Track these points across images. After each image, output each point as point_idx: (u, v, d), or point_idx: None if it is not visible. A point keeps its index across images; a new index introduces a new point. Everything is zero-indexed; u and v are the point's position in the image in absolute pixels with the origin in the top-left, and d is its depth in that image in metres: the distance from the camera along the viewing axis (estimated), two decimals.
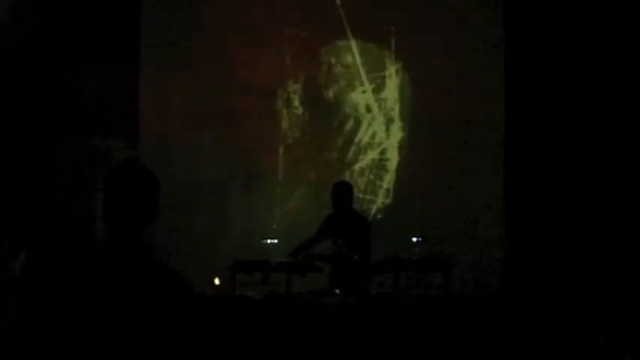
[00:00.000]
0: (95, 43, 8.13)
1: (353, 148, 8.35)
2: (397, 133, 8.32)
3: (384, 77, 8.38)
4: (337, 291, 6.32)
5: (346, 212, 6.80)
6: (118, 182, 2.38)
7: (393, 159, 8.30)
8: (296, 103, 8.45)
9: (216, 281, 6.72)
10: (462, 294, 6.81)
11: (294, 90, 8.44)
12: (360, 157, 8.33)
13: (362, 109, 8.35)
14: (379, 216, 8.25)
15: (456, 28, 8.23)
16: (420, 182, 8.25)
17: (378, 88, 8.37)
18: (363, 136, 8.33)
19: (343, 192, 6.83)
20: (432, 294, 6.26)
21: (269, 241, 6.82)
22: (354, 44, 8.34)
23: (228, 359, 5.82)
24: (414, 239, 6.80)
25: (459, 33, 8.22)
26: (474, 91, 8.19)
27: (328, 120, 8.40)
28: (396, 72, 8.35)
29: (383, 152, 8.34)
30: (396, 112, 8.32)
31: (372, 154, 8.32)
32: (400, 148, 8.34)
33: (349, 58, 8.37)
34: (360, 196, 8.10)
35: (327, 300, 6.18)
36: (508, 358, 6.01)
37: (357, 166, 8.33)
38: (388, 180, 8.28)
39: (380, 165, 8.32)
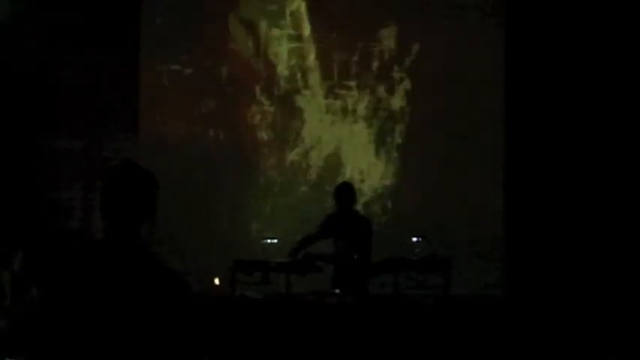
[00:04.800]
0: (96, 42, 8.14)
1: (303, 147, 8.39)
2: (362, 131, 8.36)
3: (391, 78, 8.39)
4: (337, 291, 6.32)
5: (349, 213, 6.82)
6: (117, 182, 2.40)
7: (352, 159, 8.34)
8: (295, 103, 8.46)
9: (216, 281, 6.72)
10: (461, 294, 6.80)
11: (295, 90, 8.45)
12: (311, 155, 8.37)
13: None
14: None
15: (455, 28, 8.23)
16: (420, 182, 8.25)
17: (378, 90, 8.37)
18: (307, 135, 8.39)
19: (345, 193, 6.86)
20: (432, 294, 6.25)
21: (269, 241, 6.81)
22: (312, 48, 8.39)
23: (228, 359, 5.82)
24: (414, 239, 6.79)
25: (457, 32, 8.22)
26: (474, 91, 8.18)
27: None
28: (402, 73, 8.35)
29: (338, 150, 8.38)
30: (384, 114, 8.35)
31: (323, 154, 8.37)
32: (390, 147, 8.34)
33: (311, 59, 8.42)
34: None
35: (327, 300, 6.17)
36: (508, 357, 6.00)
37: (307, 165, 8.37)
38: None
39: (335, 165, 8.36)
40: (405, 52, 8.33)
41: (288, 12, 8.46)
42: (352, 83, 8.39)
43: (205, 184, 8.39)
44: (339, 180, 7.86)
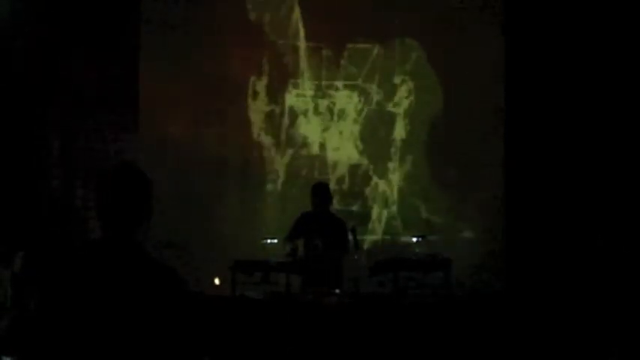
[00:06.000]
0: (96, 41, 8.14)
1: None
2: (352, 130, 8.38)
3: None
4: (337, 291, 6.32)
5: (324, 212, 6.81)
6: (113, 183, 2.41)
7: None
8: (299, 104, 8.46)
9: (216, 281, 6.72)
10: (462, 294, 6.80)
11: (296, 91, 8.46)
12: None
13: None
14: None
15: (455, 31, 8.23)
16: (419, 181, 8.26)
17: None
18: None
19: (322, 192, 6.87)
20: (432, 294, 6.26)
21: (269, 241, 6.81)
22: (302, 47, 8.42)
23: (229, 359, 5.82)
24: (414, 239, 6.79)
25: (457, 35, 8.23)
26: (474, 91, 8.19)
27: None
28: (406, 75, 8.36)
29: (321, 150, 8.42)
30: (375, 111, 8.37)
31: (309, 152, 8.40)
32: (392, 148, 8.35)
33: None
34: None
35: (327, 300, 6.17)
36: (508, 358, 6.00)
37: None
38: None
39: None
40: (404, 52, 8.34)
41: (287, 13, 8.47)
42: (353, 83, 8.40)
43: (205, 184, 8.39)
44: (339, 179, 7.88)
